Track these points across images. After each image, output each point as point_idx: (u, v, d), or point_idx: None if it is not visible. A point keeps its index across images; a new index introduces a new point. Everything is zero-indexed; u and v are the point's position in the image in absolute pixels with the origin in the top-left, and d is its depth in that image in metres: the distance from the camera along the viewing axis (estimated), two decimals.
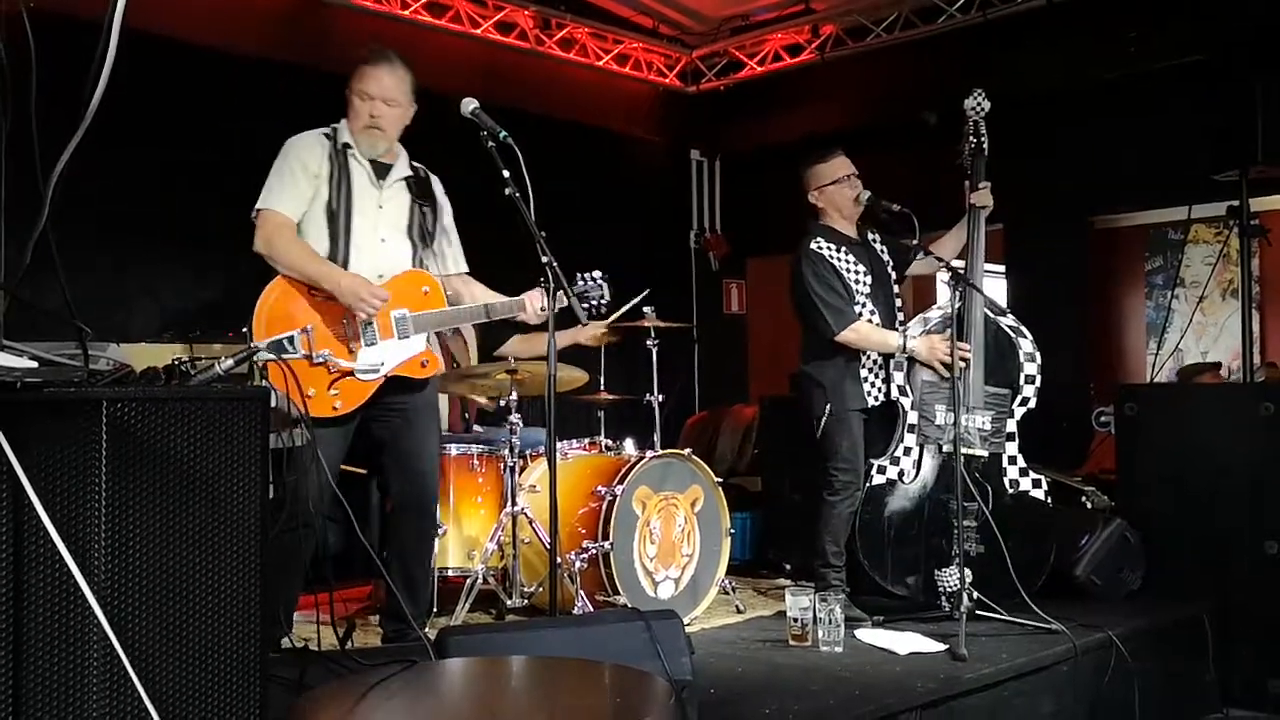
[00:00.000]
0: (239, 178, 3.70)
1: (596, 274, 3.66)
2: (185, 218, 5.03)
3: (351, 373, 3.34)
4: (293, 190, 3.40)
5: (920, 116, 6.35)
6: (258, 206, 3.41)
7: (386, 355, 3.41)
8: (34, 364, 1.82)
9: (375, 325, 3.40)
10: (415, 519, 3.58)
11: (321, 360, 3.26)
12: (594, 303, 3.62)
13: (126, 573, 1.86)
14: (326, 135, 3.49)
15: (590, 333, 4.59)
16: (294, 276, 3.35)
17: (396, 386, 3.46)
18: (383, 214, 3.51)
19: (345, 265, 3.41)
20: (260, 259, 3.39)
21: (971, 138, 4.21)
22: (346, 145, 3.49)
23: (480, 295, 3.68)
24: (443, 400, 4.73)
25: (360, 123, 3.47)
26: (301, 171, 3.40)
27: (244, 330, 3.31)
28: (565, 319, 3.40)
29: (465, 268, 3.75)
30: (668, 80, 7.59)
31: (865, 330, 4.05)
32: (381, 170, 3.53)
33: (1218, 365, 6.86)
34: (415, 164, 3.64)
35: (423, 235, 3.58)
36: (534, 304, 3.56)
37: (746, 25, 7.29)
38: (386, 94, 3.48)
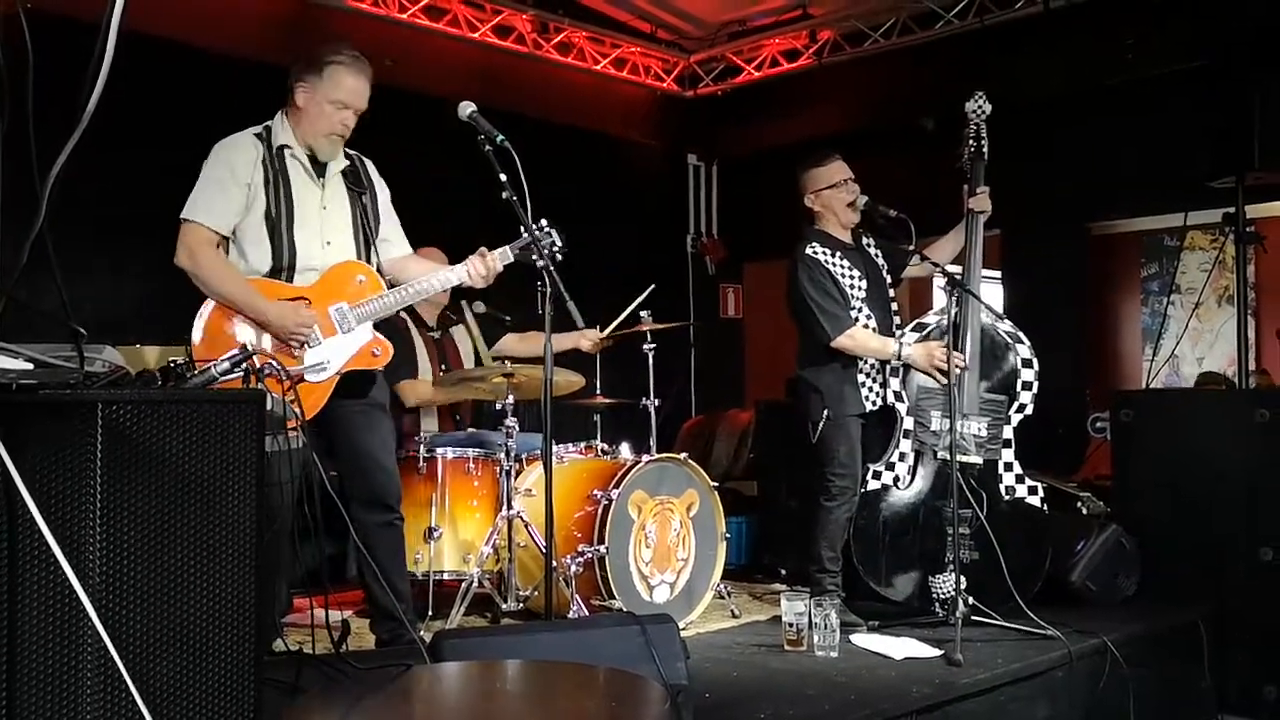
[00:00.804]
0: None
1: (543, 221, 3.36)
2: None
3: (302, 377, 3.23)
4: (221, 201, 3.24)
5: (917, 122, 6.36)
6: (183, 216, 3.26)
7: (333, 352, 3.31)
8: (29, 366, 1.82)
9: (316, 325, 3.30)
10: (377, 515, 3.45)
11: (271, 372, 3.19)
12: (547, 251, 3.33)
13: (121, 575, 1.85)
14: (259, 136, 3.34)
15: (590, 339, 4.58)
16: (217, 299, 3.23)
17: (351, 384, 3.37)
18: (326, 215, 3.38)
19: (290, 273, 3.30)
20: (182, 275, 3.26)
21: (972, 141, 4.20)
22: (285, 147, 3.34)
23: (424, 270, 3.54)
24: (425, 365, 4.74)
25: (325, 129, 3.33)
26: (231, 179, 3.25)
27: (184, 354, 3.16)
28: (562, 323, 3.38)
29: (409, 249, 3.63)
30: (665, 85, 7.60)
31: (862, 336, 4.06)
32: (319, 168, 3.40)
33: (1265, 372, 6.78)
34: (348, 151, 3.49)
35: (366, 228, 3.46)
36: (476, 269, 3.42)
37: (744, 30, 7.30)
38: (359, 104, 3.37)
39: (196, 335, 3.23)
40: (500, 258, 3.43)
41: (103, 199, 4.59)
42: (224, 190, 3.25)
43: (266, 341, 3.24)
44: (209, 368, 2.34)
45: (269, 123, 3.39)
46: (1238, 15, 5.31)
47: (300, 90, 3.34)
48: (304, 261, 3.32)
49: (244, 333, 3.23)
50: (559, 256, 3.36)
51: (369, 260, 3.46)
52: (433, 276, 3.46)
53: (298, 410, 2.79)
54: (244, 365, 2.46)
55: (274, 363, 3.06)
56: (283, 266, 3.30)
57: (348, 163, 3.48)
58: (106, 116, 1.90)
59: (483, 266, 3.43)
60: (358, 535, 3.39)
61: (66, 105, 1.84)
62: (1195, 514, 4.36)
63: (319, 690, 2.30)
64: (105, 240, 4.84)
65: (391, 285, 3.45)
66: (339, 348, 3.33)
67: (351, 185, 3.48)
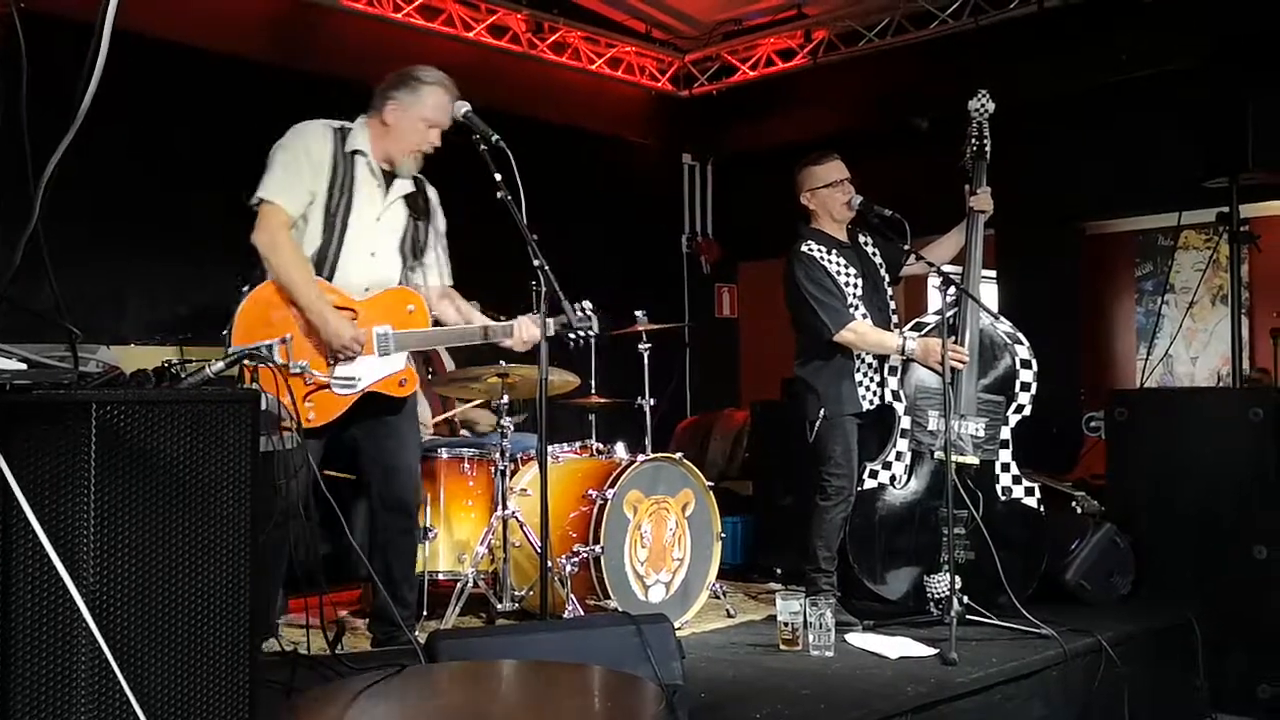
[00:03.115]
0: (231, 180, 3.68)
1: (587, 305, 3.47)
2: (176, 220, 5.01)
3: (328, 385, 3.29)
4: (296, 183, 3.30)
5: (912, 122, 6.37)
6: (260, 195, 3.29)
7: (365, 371, 3.35)
8: (23, 366, 1.82)
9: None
10: (398, 521, 3.54)
11: (299, 370, 3.21)
12: (580, 334, 3.47)
13: (115, 576, 1.85)
14: (336, 131, 3.39)
15: (523, 336, 4.57)
16: (281, 284, 3.27)
17: (373, 403, 3.41)
18: (380, 226, 3.44)
19: (333, 271, 3.35)
20: (253, 253, 3.28)
21: (974, 140, 4.18)
22: (359, 152, 3.40)
23: (464, 311, 3.62)
24: (424, 405, 4.73)
25: (413, 144, 3.40)
26: (306, 159, 3.30)
27: (222, 333, 3.23)
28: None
29: (450, 281, 3.69)
30: (660, 84, 7.59)
31: (864, 330, 4.04)
32: (388, 179, 3.46)
33: (1265, 371, 6.77)
34: (418, 176, 3.57)
35: (414, 250, 3.53)
36: (524, 331, 3.49)
37: (739, 30, 7.31)
38: (447, 122, 3.42)
39: (242, 311, 3.24)
40: (545, 328, 3.35)
41: (97, 199, 4.58)
42: (299, 172, 3.30)
43: (301, 346, 3.25)
44: (203, 367, 2.34)
45: (346, 123, 3.42)
46: (1230, 16, 5.32)
47: (391, 106, 3.40)
48: (345, 264, 3.36)
49: (288, 324, 3.25)
50: (593, 342, 3.54)
51: (406, 280, 3.51)
52: (477, 325, 3.53)
53: (293, 412, 2.79)
54: (240, 364, 2.46)
55: (305, 364, 3.11)
56: (325, 261, 3.34)
57: (414, 188, 3.53)
58: (101, 116, 1.90)
59: (529, 333, 3.47)
60: (378, 538, 3.49)
61: (61, 105, 1.84)
62: (1190, 513, 4.37)
63: (314, 691, 2.30)
64: (100, 241, 4.83)
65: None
66: (372, 368, 3.37)
67: (411, 208, 3.53)
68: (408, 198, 3.52)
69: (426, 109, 3.39)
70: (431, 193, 3.64)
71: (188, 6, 5.21)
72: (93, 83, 1.82)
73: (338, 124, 3.43)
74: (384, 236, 3.46)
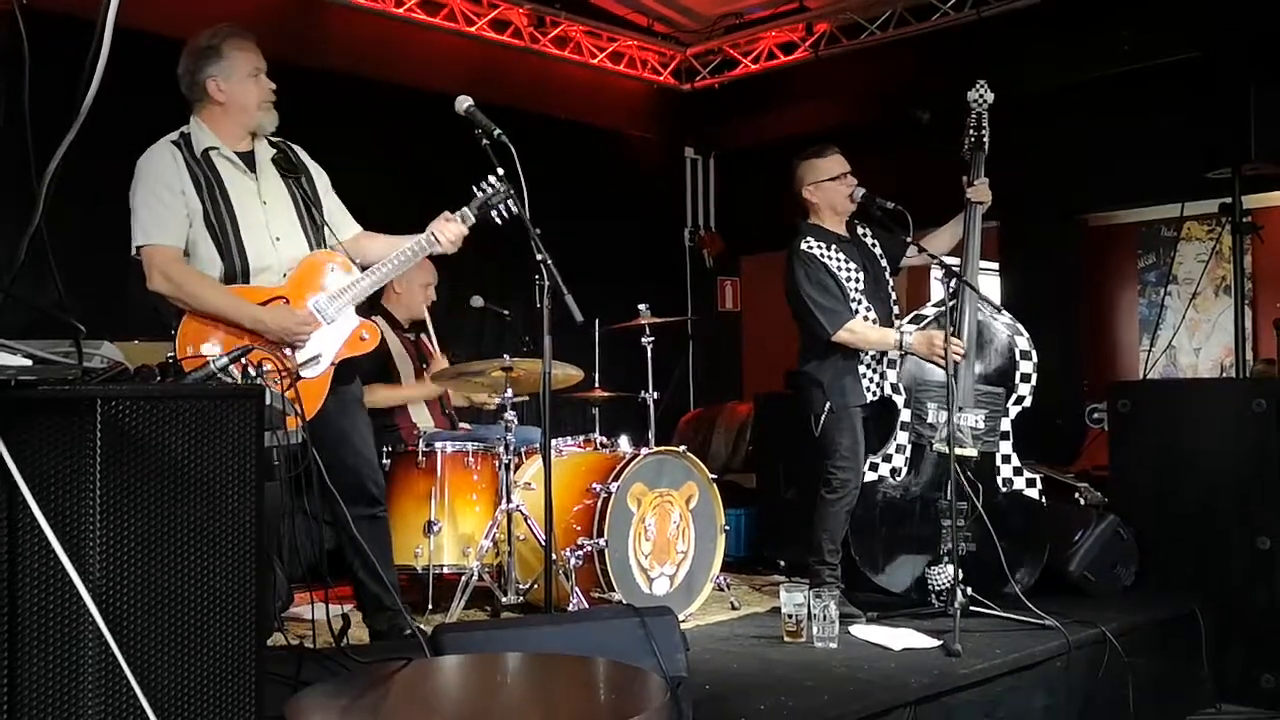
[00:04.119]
0: None
1: (498, 171, 3.33)
2: None
3: (297, 374, 3.26)
4: (165, 217, 3.17)
5: (914, 114, 6.36)
6: (137, 244, 3.18)
7: (322, 344, 3.29)
8: (28, 361, 1.82)
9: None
10: (365, 509, 3.43)
11: (267, 370, 3.18)
12: (499, 206, 3.37)
13: (121, 571, 1.85)
14: (175, 144, 3.26)
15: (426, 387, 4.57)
16: (203, 312, 3.17)
17: (343, 375, 3.36)
18: (269, 209, 3.31)
19: (246, 273, 3.24)
20: (161, 303, 3.20)
21: (972, 131, 4.17)
22: (211, 148, 3.27)
23: (391, 242, 3.49)
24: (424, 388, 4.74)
25: (256, 100, 3.30)
26: (166, 192, 3.18)
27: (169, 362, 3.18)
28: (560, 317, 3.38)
29: (358, 227, 3.58)
30: (662, 78, 7.59)
31: (861, 329, 4.05)
32: (248, 161, 3.34)
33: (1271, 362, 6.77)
34: (273, 139, 3.43)
35: (311, 213, 3.40)
36: (444, 233, 3.38)
37: (741, 23, 7.30)
38: (263, 64, 3.35)
39: (179, 350, 3.15)
40: (462, 218, 3.39)
41: (100, 195, 4.58)
42: (164, 204, 3.18)
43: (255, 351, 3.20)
44: (208, 363, 2.34)
45: (183, 129, 3.31)
46: (1233, 8, 5.31)
47: (210, 83, 3.28)
48: (256, 261, 3.25)
49: (225, 342, 3.14)
50: (514, 208, 3.34)
51: (321, 245, 3.40)
52: (403, 249, 3.39)
53: (298, 407, 2.80)
54: (244, 360, 2.46)
55: (267, 365, 3.06)
56: (235, 269, 3.23)
57: (275, 151, 3.42)
58: (104, 112, 1.90)
59: (450, 230, 3.38)
60: (344, 529, 3.34)
61: (64, 101, 1.85)
62: (1193, 504, 4.37)
63: (320, 684, 2.31)
64: (102, 236, 4.83)
65: (362, 269, 3.40)
66: (328, 338, 3.31)
67: (285, 171, 3.40)
68: (277, 162, 3.39)
69: (241, 64, 3.30)
70: (298, 150, 3.51)
71: (189, 3, 5.20)
72: (95, 79, 1.83)
73: (175, 134, 3.30)
74: (277, 216, 3.33)
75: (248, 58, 3.32)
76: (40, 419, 1.81)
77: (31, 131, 1.81)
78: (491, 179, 3.36)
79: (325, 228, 3.43)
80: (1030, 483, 4.09)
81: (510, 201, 3.36)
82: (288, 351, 3.23)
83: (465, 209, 3.39)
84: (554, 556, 3.36)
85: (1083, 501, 4.79)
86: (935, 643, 3.53)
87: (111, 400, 1.85)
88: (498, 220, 3.40)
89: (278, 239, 3.31)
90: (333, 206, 3.53)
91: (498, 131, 3.20)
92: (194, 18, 5.17)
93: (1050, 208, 6.42)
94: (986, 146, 4.18)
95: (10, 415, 1.76)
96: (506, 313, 5.03)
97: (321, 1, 5.77)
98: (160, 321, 3.40)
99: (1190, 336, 7.38)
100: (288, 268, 3.31)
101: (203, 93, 3.30)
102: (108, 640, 1.78)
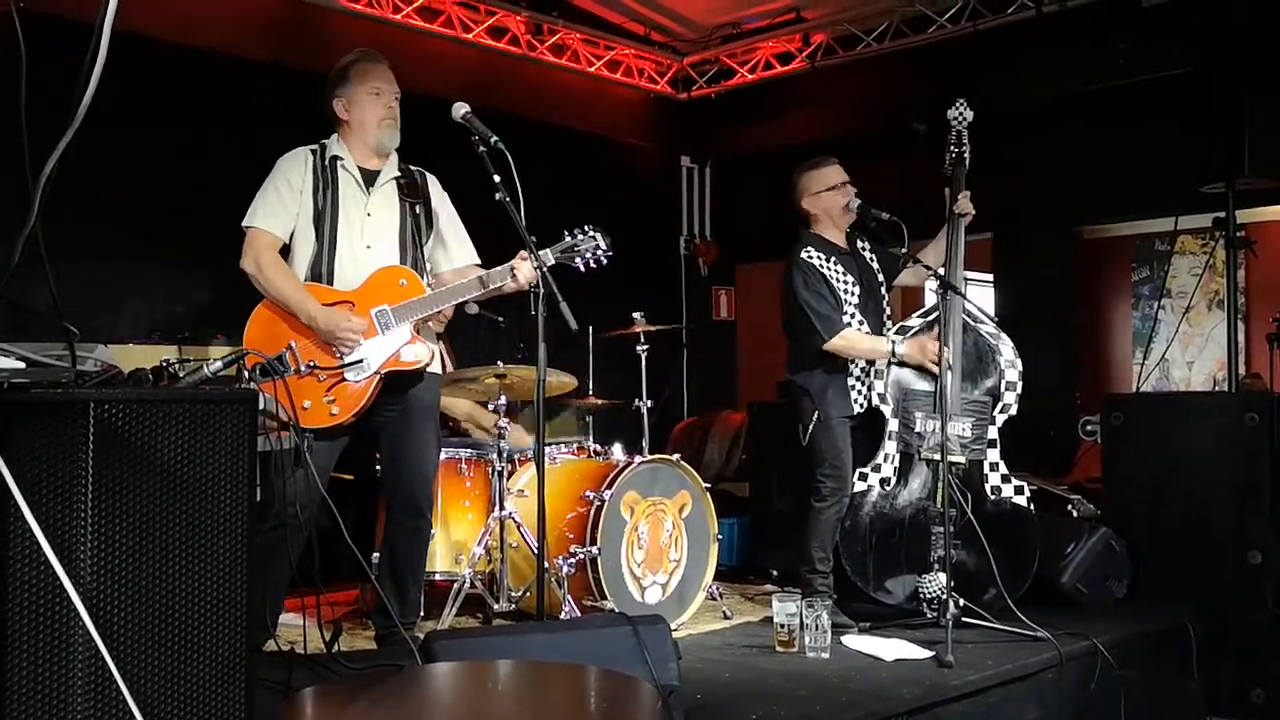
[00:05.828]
0: (229, 180, 3.70)
1: (588, 226, 3.53)
2: (174, 219, 5.01)
3: (342, 377, 3.34)
4: (278, 208, 3.43)
5: (909, 125, 6.37)
6: (245, 223, 3.43)
7: (372, 352, 3.39)
8: (21, 365, 1.82)
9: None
10: (409, 519, 3.57)
11: (310, 369, 3.27)
12: (588, 256, 3.50)
13: (112, 574, 1.85)
14: (313, 151, 3.52)
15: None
16: (274, 301, 3.38)
17: (394, 386, 3.45)
18: (370, 221, 3.50)
19: (330, 272, 3.43)
20: (243, 277, 3.40)
21: (954, 148, 4.24)
22: (337, 158, 3.51)
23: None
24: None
25: (375, 118, 3.49)
26: (286, 188, 3.44)
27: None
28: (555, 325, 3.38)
29: (473, 260, 3.71)
30: (659, 87, 7.60)
31: (854, 337, 4.07)
32: (370, 177, 3.54)
33: (1258, 376, 6.79)
34: (410, 166, 3.64)
35: (415, 237, 3.56)
36: (523, 273, 3.44)
37: (738, 33, 7.31)
38: (392, 87, 3.55)
39: (248, 333, 3.39)
40: (539, 260, 3.36)
41: (95, 198, 4.58)
42: (280, 198, 3.43)
43: (306, 348, 3.33)
44: (201, 367, 2.34)
45: (325, 140, 3.55)
46: (1228, 22, 5.33)
47: (338, 103, 3.52)
48: (342, 261, 3.45)
49: (289, 334, 3.34)
50: (604, 260, 3.51)
51: (416, 267, 3.53)
52: (473, 278, 3.52)
53: (292, 413, 2.80)
54: (237, 365, 2.46)
55: (313, 362, 3.25)
56: (321, 268, 3.43)
57: (402, 175, 3.59)
58: (100, 116, 1.90)
59: (527, 270, 3.43)
60: (388, 533, 3.56)
61: (60, 104, 1.85)
62: (1185, 517, 4.38)
63: (311, 690, 2.30)
64: (98, 240, 4.83)
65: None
66: (379, 348, 3.41)
67: (405, 195, 3.57)
68: (400, 185, 3.57)
69: (364, 84, 3.50)
70: (431, 180, 3.69)
71: (187, 7, 5.21)
72: (92, 82, 1.83)
73: (316, 145, 3.54)
74: (378, 229, 3.51)
75: (368, 78, 3.52)
76: (33, 422, 1.80)
77: (28, 133, 1.81)
78: (587, 227, 3.51)
79: (423, 250, 3.58)
80: (1018, 490, 4.09)
81: (601, 254, 3.50)
82: (337, 354, 3.37)
83: (548, 251, 3.42)
84: (546, 564, 3.36)
85: (1075, 514, 4.80)
86: (928, 653, 3.53)
87: (104, 404, 1.85)
88: (581, 269, 3.50)
89: (369, 246, 3.48)
90: (450, 236, 3.67)
91: (495, 138, 3.21)
92: (192, 22, 5.21)
93: (1045, 219, 6.44)
94: (968, 162, 4.21)
95: (3, 418, 1.76)
96: (501, 319, 5.03)
97: (319, 8, 5.77)
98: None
99: (1183, 350, 7.39)
100: (367, 276, 3.45)
101: (334, 112, 3.54)
102: (98, 644, 1.77)
